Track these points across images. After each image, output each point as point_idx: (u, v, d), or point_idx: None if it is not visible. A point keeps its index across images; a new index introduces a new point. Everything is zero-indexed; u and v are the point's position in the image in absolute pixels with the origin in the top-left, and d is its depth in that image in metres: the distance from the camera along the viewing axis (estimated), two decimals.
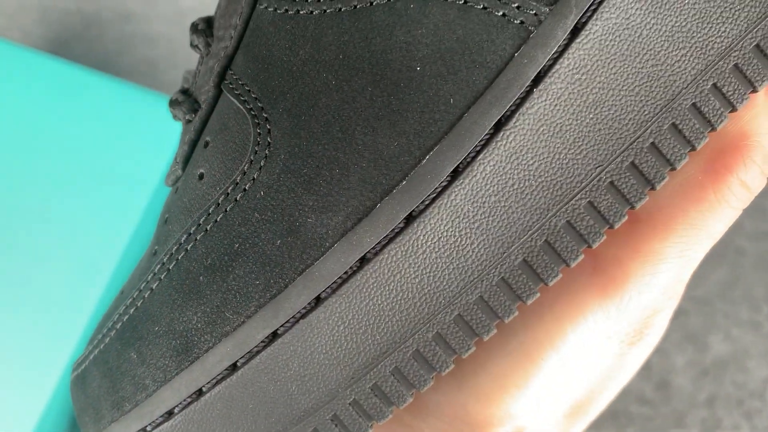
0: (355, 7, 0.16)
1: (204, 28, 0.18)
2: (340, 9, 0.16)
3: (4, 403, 0.39)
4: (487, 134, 0.15)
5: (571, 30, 0.15)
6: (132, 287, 0.17)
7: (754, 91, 0.15)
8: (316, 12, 0.16)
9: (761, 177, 0.17)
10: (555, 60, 0.15)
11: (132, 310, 0.17)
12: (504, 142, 0.15)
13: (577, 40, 0.15)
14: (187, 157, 0.18)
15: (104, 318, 0.18)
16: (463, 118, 0.15)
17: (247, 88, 0.17)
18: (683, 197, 0.17)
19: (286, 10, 0.17)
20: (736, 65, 0.15)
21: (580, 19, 0.15)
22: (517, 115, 0.15)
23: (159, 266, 0.17)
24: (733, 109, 0.15)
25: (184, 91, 0.18)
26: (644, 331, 0.18)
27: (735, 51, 0.15)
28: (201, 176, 0.17)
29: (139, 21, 0.60)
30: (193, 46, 0.18)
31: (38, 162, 0.44)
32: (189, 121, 0.18)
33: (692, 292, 0.55)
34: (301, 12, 0.16)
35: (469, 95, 0.15)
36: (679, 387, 0.54)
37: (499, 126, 0.15)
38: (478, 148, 0.15)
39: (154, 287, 0.17)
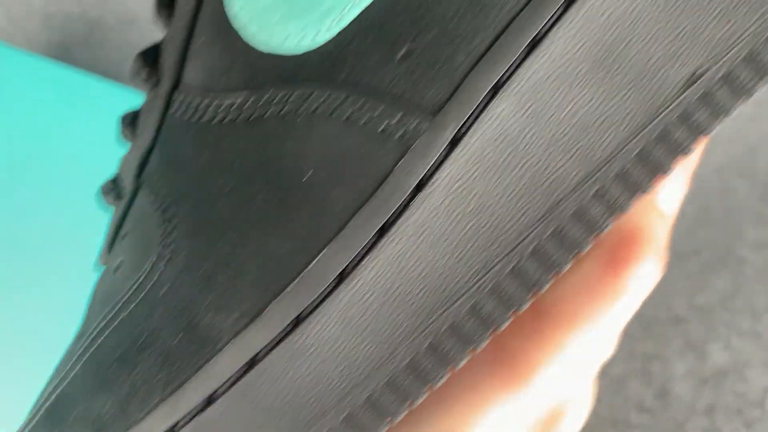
0: (250, 117, 0.16)
1: (131, 122, 0.19)
2: (236, 119, 0.17)
3: (5, 404, 0.41)
4: (370, 240, 0.15)
5: (450, 141, 0.15)
6: (60, 369, 0.19)
7: (643, 193, 0.15)
8: (215, 120, 0.17)
9: (658, 267, 0.17)
10: (434, 171, 0.15)
11: (58, 390, 0.18)
12: (387, 248, 0.15)
13: (456, 151, 0.15)
14: (110, 244, 0.19)
15: (41, 393, 0.19)
16: (348, 224, 0.15)
17: (159, 184, 0.18)
18: (585, 291, 0.17)
19: (190, 117, 0.17)
20: (618, 172, 0.15)
21: (459, 130, 0.15)
22: (398, 223, 0.15)
23: (80, 351, 0.18)
24: (621, 212, 0.15)
25: (114, 180, 0.19)
26: (554, 422, 0.18)
27: (619, 158, 0.15)
28: (117, 267, 0.18)
29: (143, 26, 0.61)
30: (121, 137, 0.19)
31: (41, 168, 0.45)
32: (116, 209, 0.19)
33: (693, 300, 0.54)
34: (203, 120, 0.17)
35: (354, 203, 0.15)
36: (678, 395, 0.53)
37: (382, 232, 0.15)
38: (362, 253, 0.15)
39: (75, 371, 0.18)
